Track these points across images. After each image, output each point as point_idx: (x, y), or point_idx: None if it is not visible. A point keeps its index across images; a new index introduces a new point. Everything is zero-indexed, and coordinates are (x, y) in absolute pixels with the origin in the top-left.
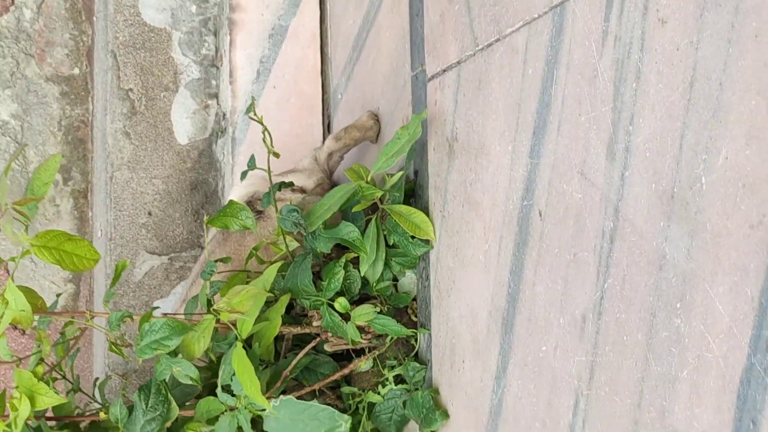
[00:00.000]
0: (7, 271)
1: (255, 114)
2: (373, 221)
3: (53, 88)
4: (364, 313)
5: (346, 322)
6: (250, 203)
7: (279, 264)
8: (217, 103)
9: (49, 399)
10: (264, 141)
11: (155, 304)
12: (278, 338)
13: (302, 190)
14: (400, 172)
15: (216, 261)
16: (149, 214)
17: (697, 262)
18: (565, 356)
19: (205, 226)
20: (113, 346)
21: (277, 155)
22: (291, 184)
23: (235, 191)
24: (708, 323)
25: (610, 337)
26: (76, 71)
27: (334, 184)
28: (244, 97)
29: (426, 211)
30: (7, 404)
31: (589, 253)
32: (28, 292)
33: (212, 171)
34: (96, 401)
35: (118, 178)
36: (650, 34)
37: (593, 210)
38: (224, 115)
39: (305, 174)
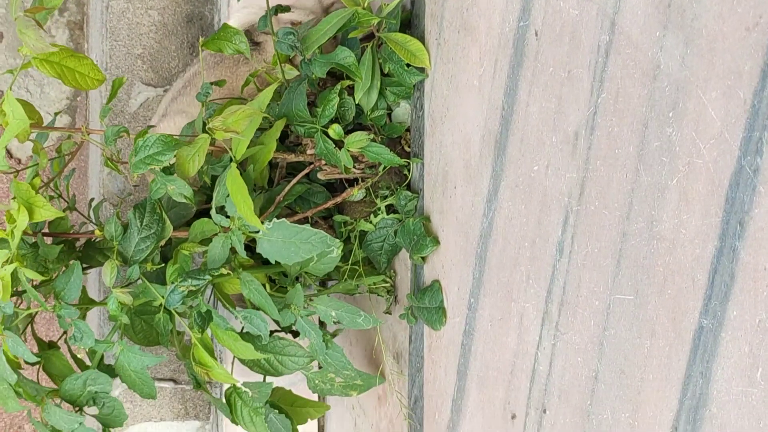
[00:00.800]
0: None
1: None
2: (368, 48)
3: None
4: (357, 140)
5: (340, 150)
6: (247, 32)
7: (275, 85)
8: None
9: (46, 212)
10: None
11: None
12: (272, 165)
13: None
14: (397, 0)
15: (211, 83)
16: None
17: (691, 69)
18: (556, 174)
19: (200, 48)
20: (109, 162)
21: None
22: (288, 9)
23: (233, 18)
24: (699, 129)
25: (601, 152)
26: None
27: None
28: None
29: (422, 39)
30: (4, 215)
31: (584, 70)
32: (27, 105)
33: (208, 4)
34: (91, 221)
35: (114, 8)
36: None
37: (589, 25)
38: None
39: (305, 12)
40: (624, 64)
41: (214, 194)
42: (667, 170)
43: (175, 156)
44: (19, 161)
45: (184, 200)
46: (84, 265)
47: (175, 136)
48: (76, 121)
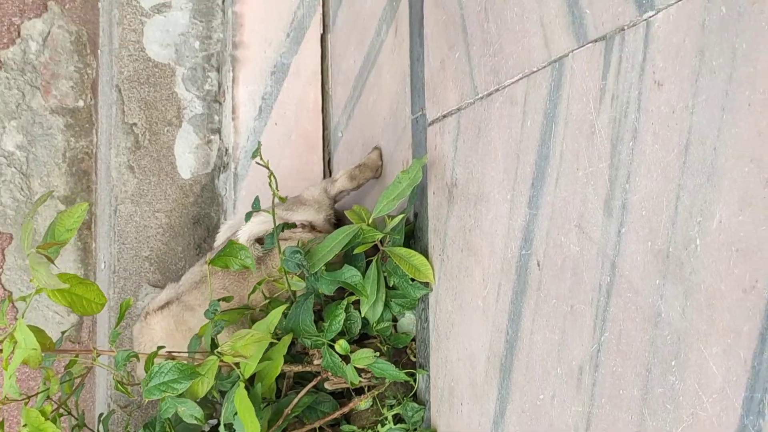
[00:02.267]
0: (12, 302)
1: (261, 158)
2: (373, 263)
3: (58, 120)
4: (363, 357)
5: (346, 364)
6: (260, 239)
7: (282, 308)
8: (220, 139)
9: None
10: (270, 185)
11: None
12: (280, 375)
13: (310, 225)
14: (401, 215)
15: (219, 300)
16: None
17: (692, 322)
18: (562, 406)
19: (207, 265)
20: (119, 386)
21: (282, 200)
22: (294, 225)
23: (244, 229)
24: (702, 382)
25: (606, 390)
26: (81, 104)
27: (338, 217)
28: (247, 133)
29: (425, 253)
30: None
31: (586, 306)
32: (38, 332)
33: (214, 206)
34: None
35: (121, 211)
36: (647, 96)
37: (590, 264)
38: (226, 150)
39: (314, 208)
40: (626, 307)
41: (222, 411)
42: (672, 418)
43: None
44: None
45: (195, 422)
46: None
47: (185, 360)
48: (83, 319)
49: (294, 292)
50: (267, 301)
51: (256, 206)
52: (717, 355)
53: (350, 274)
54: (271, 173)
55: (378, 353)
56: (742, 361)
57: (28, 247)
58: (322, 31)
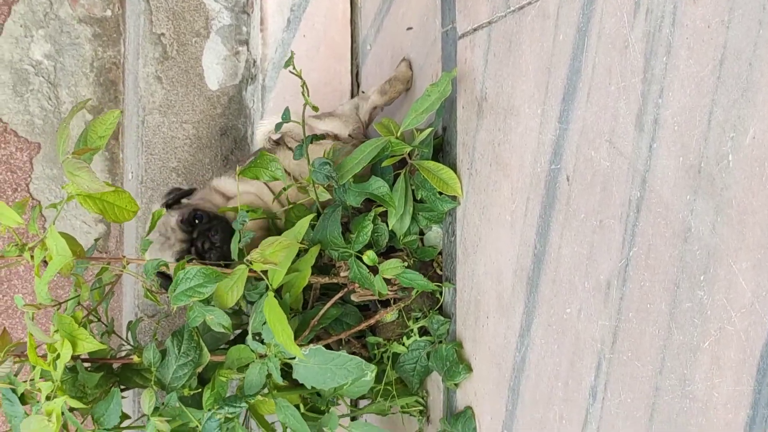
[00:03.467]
0: (42, 215)
1: (294, 68)
2: (401, 176)
3: (86, 30)
4: (392, 267)
5: (374, 275)
6: (281, 137)
7: (311, 216)
8: (248, 50)
9: (89, 344)
10: (303, 94)
11: None
12: (306, 287)
13: (335, 137)
14: (429, 128)
15: (247, 211)
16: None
17: (722, 237)
18: (588, 319)
19: (236, 177)
20: (149, 293)
21: (315, 108)
22: (323, 137)
23: (259, 130)
24: (730, 297)
25: (633, 304)
26: (108, 13)
27: (366, 137)
28: (275, 45)
29: (453, 167)
30: (45, 347)
31: (615, 221)
32: (69, 239)
33: (241, 117)
34: (128, 343)
35: (149, 122)
36: (682, 9)
37: (620, 179)
38: (254, 62)
39: (342, 121)
40: (655, 222)
41: (251, 320)
42: (699, 332)
43: None
44: None
45: (223, 330)
46: (121, 386)
47: (212, 268)
48: (111, 228)
49: (322, 204)
50: (290, 206)
51: (285, 117)
52: (746, 270)
53: (378, 185)
54: (304, 82)
55: (405, 264)
56: None
57: (64, 153)
58: None
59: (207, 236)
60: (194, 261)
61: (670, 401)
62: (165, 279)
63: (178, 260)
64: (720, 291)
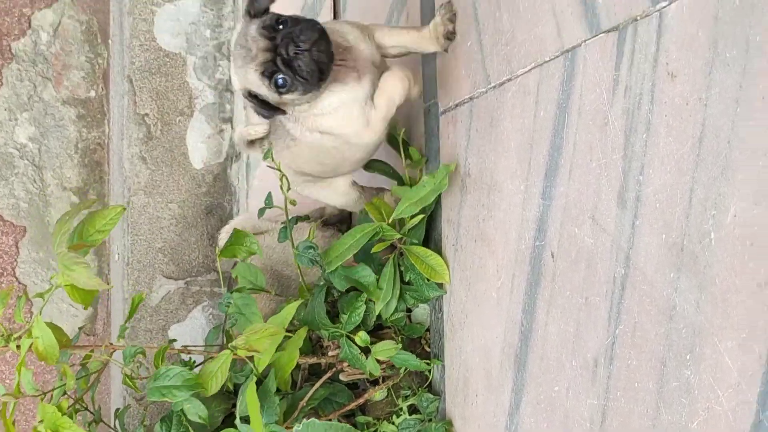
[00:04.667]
0: (27, 296)
1: (273, 159)
2: (390, 261)
3: (70, 111)
4: (385, 349)
5: (365, 355)
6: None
7: (297, 303)
8: (231, 128)
9: None
10: (281, 188)
11: (171, 329)
12: (295, 367)
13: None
14: (421, 216)
15: (232, 291)
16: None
17: (707, 316)
18: (577, 398)
19: (217, 258)
20: (127, 379)
21: (293, 202)
22: (307, 218)
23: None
24: (717, 377)
25: (621, 383)
26: (93, 94)
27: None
28: (258, 122)
29: (439, 243)
30: None
31: (601, 298)
32: (55, 329)
33: (227, 195)
34: (116, 431)
35: (135, 202)
36: (660, 87)
37: (604, 256)
38: None
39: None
40: (640, 300)
41: (238, 404)
42: (687, 412)
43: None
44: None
45: (199, 421)
46: None
47: (192, 373)
48: (98, 311)
49: (308, 287)
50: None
51: (268, 202)
52: (732, 349)
53: (364, 273)
54: (283, 175)
55: (399, 345)
56: (757, 355)
57: (59, 245)
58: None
59: (291, 39)
60: (280, 74)
61: None
62: (259, 102)
63: (263, 74)
64: (706, 370)
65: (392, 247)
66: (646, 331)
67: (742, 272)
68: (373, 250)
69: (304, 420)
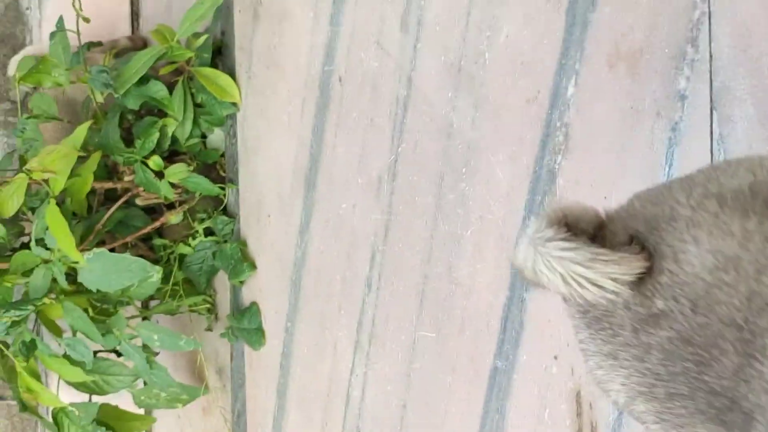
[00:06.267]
0: None
1: None
2: (180, 83)
3: None
4: (177, 172)
5: (160, 179)
6: None
7: (88, 124)
8: None
9: None
10: (73, 5)
11: None
12: (91, 192)
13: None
14: (206, 35)
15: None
16: None
17: (481, 132)
18: (363, 214)
19: (16, 85)
20: None
21: (87, 20)
22: (100, 44)
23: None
24: (490, 188)
25: (403, 198)
26: None
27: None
28: None
29: (233, 70)
30: None
31: (385, 119)
32: None
33: (19, 24)
34: None
35: None
36: None
37: (388, 78)
38: None
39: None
40: (421, 119)
41: (33, 227)
42: (462, 222)
43: None
44: None
45: None
46: None
47: None
48: None
49: (101, 107)
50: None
51: (59, 26)
52: (503, 162)
53: (157, 88)
54: None
55: (191, 168)
56: (525, 166)
57: None
58: None
59: None
60: None
61: (437, 287)
62: None
63: None
64: (480, 182)
65: (180, 72)
66: (426, 149)
67: (513, 89)
68: (161, 71)
69: (95, 249)
